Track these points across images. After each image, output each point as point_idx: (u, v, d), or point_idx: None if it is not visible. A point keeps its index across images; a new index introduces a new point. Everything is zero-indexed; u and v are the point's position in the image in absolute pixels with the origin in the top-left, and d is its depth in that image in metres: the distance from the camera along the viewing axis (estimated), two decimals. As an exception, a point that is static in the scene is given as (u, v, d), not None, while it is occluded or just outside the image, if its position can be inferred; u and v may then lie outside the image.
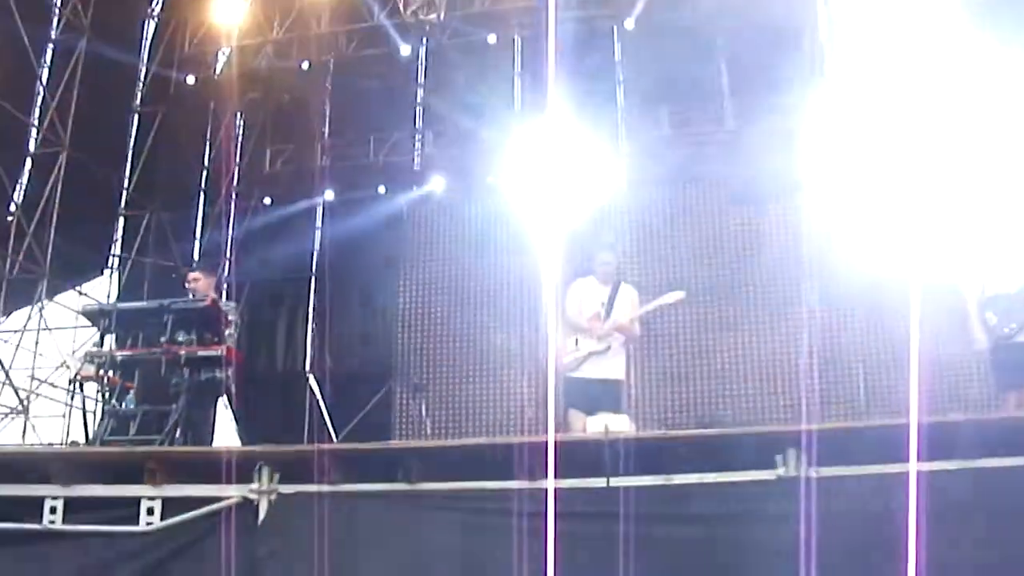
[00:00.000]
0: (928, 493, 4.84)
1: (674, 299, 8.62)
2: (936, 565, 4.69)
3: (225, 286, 14.33)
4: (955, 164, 10.99)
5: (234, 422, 9.95)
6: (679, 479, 5.85)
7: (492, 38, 14.77)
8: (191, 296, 8.67)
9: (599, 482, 5.80)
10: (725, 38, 14.01)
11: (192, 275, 8.97)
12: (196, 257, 15.15)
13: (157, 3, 15.54)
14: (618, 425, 6.98)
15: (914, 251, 9.60)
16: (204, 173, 15.99)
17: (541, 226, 11.63)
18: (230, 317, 8.52)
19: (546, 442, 6.05)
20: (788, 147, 13.11)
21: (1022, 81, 12.17)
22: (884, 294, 11.48)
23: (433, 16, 14.48)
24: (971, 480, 5.43)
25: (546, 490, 5.55)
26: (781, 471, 5.66)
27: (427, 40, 15.18)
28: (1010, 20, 12.31)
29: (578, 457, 5.86)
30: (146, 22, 15.55)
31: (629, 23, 14.28)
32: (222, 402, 8.60)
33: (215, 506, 6.01)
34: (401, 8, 14.41)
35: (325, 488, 6.03)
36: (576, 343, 8.09)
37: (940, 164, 10.84)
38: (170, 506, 6.04)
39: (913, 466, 5.09)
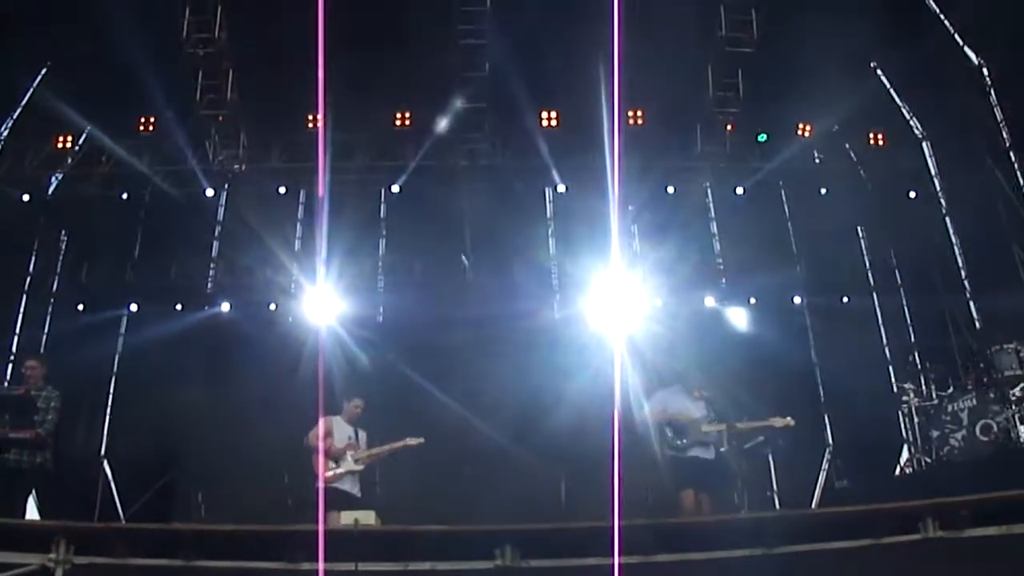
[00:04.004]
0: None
1: (415, 442, 9.87)
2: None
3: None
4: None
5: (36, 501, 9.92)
6: (415, 566, 6.53)
7: (282, 189, 16.64)
8: (24, 380, 9.05)
9: (349, 566, 6.38)
10: (470, 207, 16.46)
11: (30, 362, 9.37)
12: (14, 350, 15.78)
13: (6, 128, 16.43)
14: (366, 520, 8.11)
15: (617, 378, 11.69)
16: (28, 279, 16.63)
17: (311, 349, 14.05)
18: (52, 404, 8.86)
19: (307, 530, 6.78)
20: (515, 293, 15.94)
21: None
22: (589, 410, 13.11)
23: (236, 166, 16.43)
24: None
25: (305, 571, 6.23)
26: (499, 562, 6.42)
27: (228, 186, 16.78)
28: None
29: (335, 545, 6.43)
30: (-7, 145, 16.31)
31: (395, 188, 16.53)
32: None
33: (16, 572, 6.25)
34: (210, 156, 16.27)
35: (113, 561, 6.39)
36: (336, 463, 9.48)
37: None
38: (-25, 569, 6.15)
39: (616, 559, 5.96)
